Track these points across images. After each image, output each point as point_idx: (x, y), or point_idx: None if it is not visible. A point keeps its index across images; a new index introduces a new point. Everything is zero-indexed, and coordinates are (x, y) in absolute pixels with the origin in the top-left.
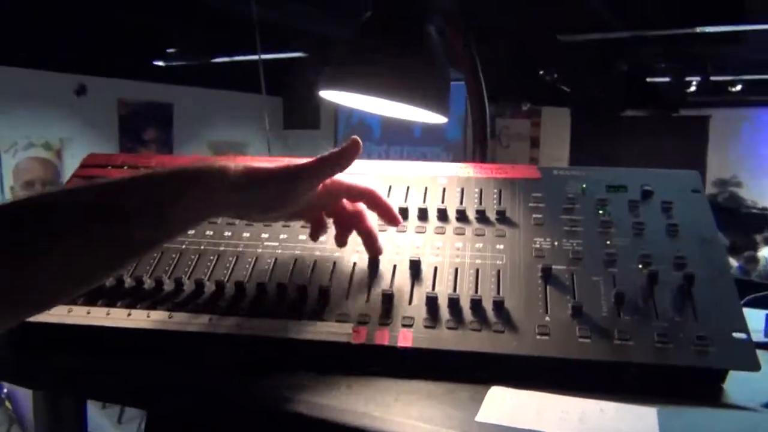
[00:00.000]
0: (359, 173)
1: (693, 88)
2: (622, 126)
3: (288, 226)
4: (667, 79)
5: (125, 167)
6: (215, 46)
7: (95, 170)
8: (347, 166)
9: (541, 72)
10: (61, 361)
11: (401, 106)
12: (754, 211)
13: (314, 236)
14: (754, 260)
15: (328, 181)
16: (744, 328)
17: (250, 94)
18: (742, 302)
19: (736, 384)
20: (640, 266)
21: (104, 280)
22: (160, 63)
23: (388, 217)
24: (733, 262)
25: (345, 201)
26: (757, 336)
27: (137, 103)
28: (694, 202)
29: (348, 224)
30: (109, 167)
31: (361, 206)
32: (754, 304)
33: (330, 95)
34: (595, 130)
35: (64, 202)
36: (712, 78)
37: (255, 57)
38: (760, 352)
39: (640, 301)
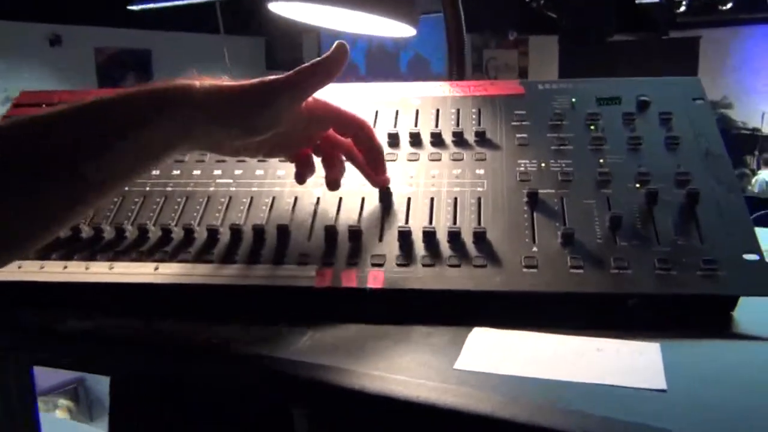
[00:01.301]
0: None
1: (683, 9)
2: (612, 51)
3: (244, 161)
4: (655, 1)
5: (59, 104)
6: None
7: (28, 110)
8: (335, 75)
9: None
10: (7, 321)
11: (363, 17)
12: (744, 131)
13: (300, 178)
14: (745, 177)
15: (312, 102)
16: (756, 249)
17: (231, 36)
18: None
19: (748, 312)
20: (637, 185)
21: (61, 230)
22: (135, 8)
23: (377, 164)
24: None
25: (332, 132)
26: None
27: (114, 51)
28: (697, 111)
29: (335, 160)
30: (43, 105)
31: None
32: (763, 222)
33: (282, 8)
34: (584, 57)
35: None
36: None
37: None
38: None
39: (639, 225)
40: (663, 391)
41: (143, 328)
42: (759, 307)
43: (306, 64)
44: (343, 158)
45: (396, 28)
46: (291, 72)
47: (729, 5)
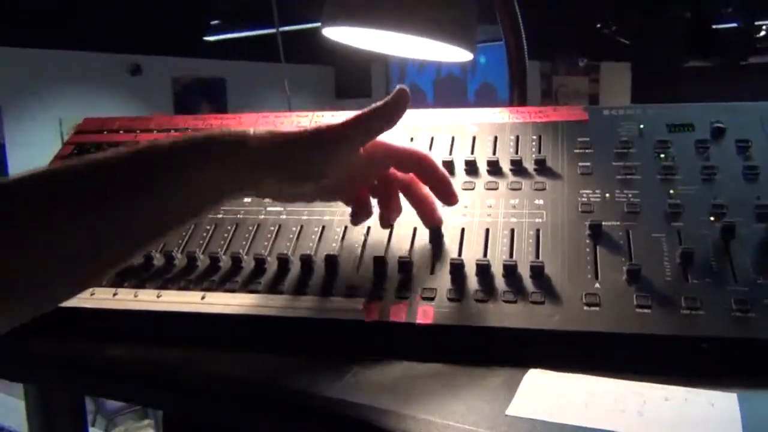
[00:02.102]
0: None
1: (762, 33)
2: (687, 78)
3: None
4: (734, 25)
5: (120, 131)
6: (258, 16)
7: (90, 136)
8: (397, 120)
9: (599, 25)
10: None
11: (417, 42)
12: None
13: (356, 219)
14: None
15: (370, 145)
16: None
17: (303, 65)
18: None
19: None
20: (712, 218)
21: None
22: (210, 38)
23: (444, 191)
24: None
25: (393, 171)
26: None
27: (190, 80)
28: None
29: (391, 199)
30: (104, 132)
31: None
32: None
33: (335, 33)
34: (657, 84)
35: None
36: None
37: (301, 27)
38: None
39: (713, 261)
40: None
41: (183, 360)
42: None
43: (366, 110)
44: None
45: (453, 53)
46: (350, 118)
47: None
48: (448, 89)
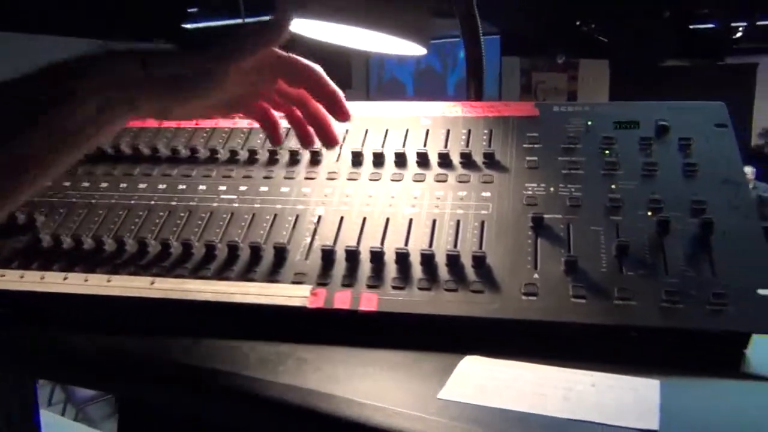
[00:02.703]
0: None
1: (739, 34)
2: (665, 76)
3: (250, 177)
4: (711, 26)
5: None
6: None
7: None
8: (278, 39)
9: (578, 22)
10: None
11: (371, 35)
12: None
13: (272, 139)
14: None
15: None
16: None
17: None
18: None
19: (765, 350)
20: (649, 213)
21: None
22: (188, 26)
23: (335, 105)
24: None
25: (282, 84)
26: None
27: None
28: (718, 137)
29: (288, 110)
30: None
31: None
32: None
33: (295, 25)
34: (635, 83)
35: None
36: (759, 23)
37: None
38: None
39: (647, 254)
40: (654, 431)
41: (131, 344)
42: None
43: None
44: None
45: (406, 48)
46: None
47: None
48: (427, 82)
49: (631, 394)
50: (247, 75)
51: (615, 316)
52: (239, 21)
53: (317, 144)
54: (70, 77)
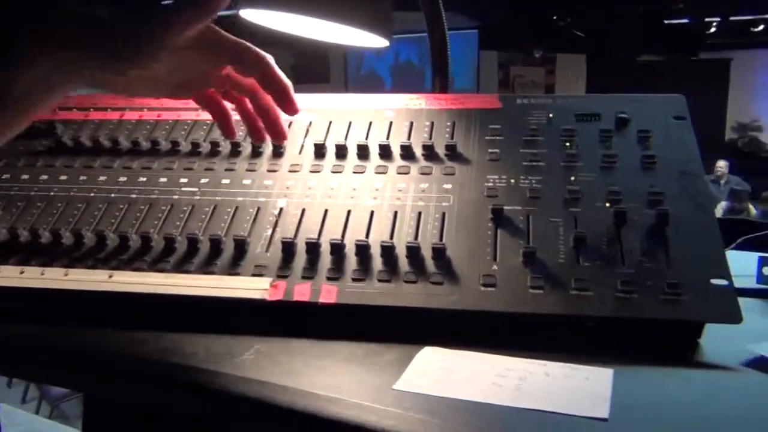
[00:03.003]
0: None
1: (712, 30)
2: (640, 71)
3: (212, 169)
4: (685, 21)
5: (74, 109)
6: None
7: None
8: (212, 10)
9: (555, 17)
10: None
11: (333, 27)
12: None
13: (224, 129)
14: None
15: (203, 37)
16: (725, 274)
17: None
18: (735, 243)
19: (718, 339)
20: (607, 204)
21: None
22: None
23: (283, 96)
24: (753, 209)
25: (233, 73)
26: (749, 282)
27: None
28: (677, 130)
29: (239, 102)
30: (56, 110)
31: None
32: (750, 246)
33: (253, 16)
34: (611, 77)
35: None
36: (732, 18)
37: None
38: (750, 301)
39: (604, 245)
40: (604, 420)
41: (89, 338)
42: (732, 334)
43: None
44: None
45: (369, 40)
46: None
47: (761, 27)
48: (406, 76)
49: (584, 383)
50: (190, 53)
51: (571, 306)
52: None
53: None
54: (14, 42)
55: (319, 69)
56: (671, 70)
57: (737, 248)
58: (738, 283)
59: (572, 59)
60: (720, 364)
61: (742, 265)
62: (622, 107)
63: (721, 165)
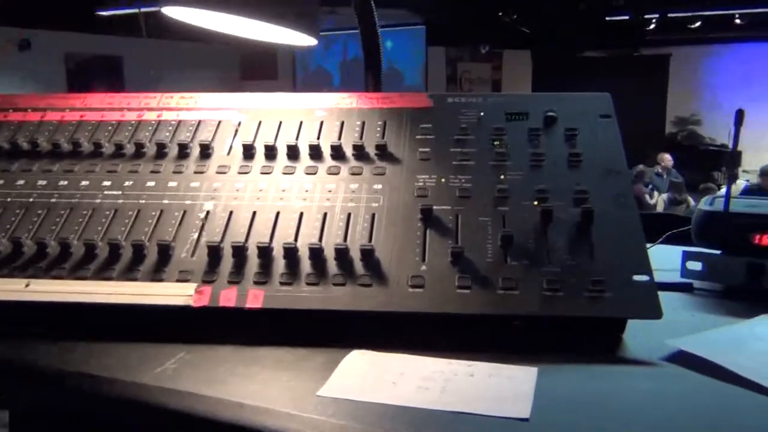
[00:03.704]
0: (230, 107)
1: (653, 26)
2: (584, 67)
3: (136, 172)
4: (625, 17)
5: (10, 110)
6: None
7: None
8: None
9: (500, 13)
10: None
11: (257, 25)
12: (712, 148)
13: None
14: (709, 191)
15: None
16: (646, 270)
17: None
18: (663, 237)
19: (641, 333)
20: (535, 203)
21: None
22: (104, 13)
23: None
24: (692, 201)
25: None
26: (674, 276)
27: (85, 57)
28: (603, 128)
29: None
30: (10, 111)
31: None
32: (676, 240)
33: (178, 12)
34: (556, 72)
35: None
36: (671, 15)
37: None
38: (674, 295)
39: (531, 243)
40: (525, 420)
41: (4, 349)
42: (655, 328)
43: None
44: None
45: (295, 38)
46: None
47: (698, 24)
48: (354, 72)
49: (508, 384)
50: None
51: (498, 305)
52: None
53: (205, 137)
54: None
55: (266, 66)
56: (614, 66)
57: (664, 243)
58: (663, 278)
59: (518, 55)
60: (641, 359)
61: (667, 259)
62: (550, 106)
63: (666, 158)
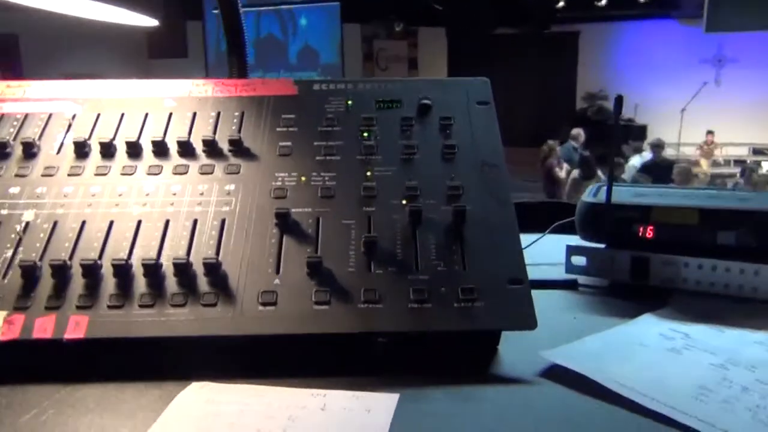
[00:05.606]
0: (64, 97)
1: (561, 4)
2: (497, 44)
3: None
4: None
5: None
6: None
7: None
8: None
9: None
10: None
11: (92, 4)
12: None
13: None
14: (619, 167)
15: None
16: (521, 276)
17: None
18: (551, 228)
19: (520, 341)
20: (404, 201)
21: None
22: None
23: None
24: (602, 175)
25: None
26: (560, 270)
27: None
28: (480, 116)
29: None
30: None
31: None
32: (562, 231)
33: None
34: (470, 50)
35: None
36: None
37: None
38: (557, 293)
39: (398, 249)
40: None
41: None
42: (533, 335)
43: None
44: None
45: (135, 18)
46: None
47: (604, 2)
48: (269, 50)
49: (362, 417)
50: None
51: (360, 322)
52: None
53: (31, 133)
54: None
55: (175, 43)
56: (524, 43)
57: (552, 233)
58: (549, 273)
59: (433, 32)
60: (515, 376)
61: (556, 251)
62: (424, 92)
63: (579, 132)
